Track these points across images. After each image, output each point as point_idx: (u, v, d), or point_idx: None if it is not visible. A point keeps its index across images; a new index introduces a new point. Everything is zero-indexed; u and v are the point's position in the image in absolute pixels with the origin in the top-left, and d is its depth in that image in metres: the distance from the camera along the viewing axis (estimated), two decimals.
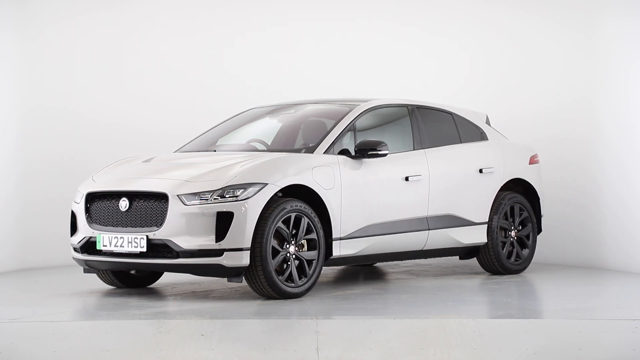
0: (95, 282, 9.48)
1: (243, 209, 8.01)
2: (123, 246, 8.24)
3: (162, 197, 8.16)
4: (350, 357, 6.42)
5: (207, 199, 8.03)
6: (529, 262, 10.29)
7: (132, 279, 9.23)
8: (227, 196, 8.04)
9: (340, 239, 8.66)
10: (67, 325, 7.21)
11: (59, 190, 11.02)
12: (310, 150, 8.76)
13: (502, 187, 10.06)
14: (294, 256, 8.30)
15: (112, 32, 11.70)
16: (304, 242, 8.40)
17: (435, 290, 9.08)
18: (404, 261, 11.35)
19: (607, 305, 8.34)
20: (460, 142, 9.89)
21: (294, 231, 8.31)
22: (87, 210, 8.56)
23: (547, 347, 6.63)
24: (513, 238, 10.12)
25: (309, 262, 8.42)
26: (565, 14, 11.41)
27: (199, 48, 11.97)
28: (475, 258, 10.13)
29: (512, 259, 10.10)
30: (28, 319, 7.37)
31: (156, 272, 9.23)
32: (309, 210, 8.38)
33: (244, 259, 8.02)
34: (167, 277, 9.68)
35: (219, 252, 7.99)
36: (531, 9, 11.72)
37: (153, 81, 11.80)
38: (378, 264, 11.15)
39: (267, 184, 8.16)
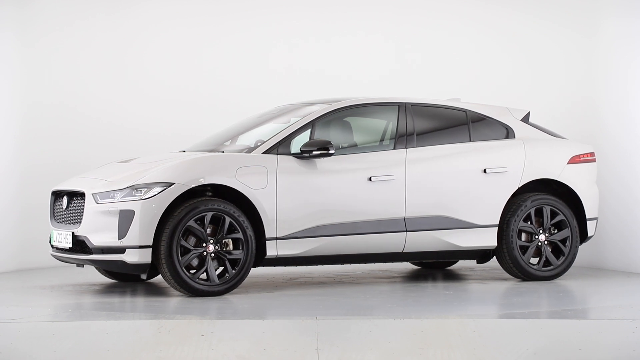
0: (93, 282, 9.49)
1: (144, 207, 8.28)
2: (61, 242, 8.80)
3: (83, 196, 8.62)
4: (350, 357, 6.43)
5: (114, 198, 8.38)
6: (565, 269, 9.63)
7: (125, 273, 9.37)
8: (132, 195, 8.34)
9: (277, 239, 8.67)
10: (67, 325, 7.20)
11: None
12: (250, 150, 8.85)
13: (528, 188, 9.62)
14: (212, 255, 8.43)
15: (115, 31, 11.68)
16: (229, 241, 8.52)
17: (438, 292, 9.09)
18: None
19: (607, 305, 8.34)
20: (470, 141, 9.52)
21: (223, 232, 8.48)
22: (52, 207, 9.08)
23: (547, 347, 6.63)
24: (542, 242, 9.55)
25: (234, 261, 8.52)
26: (565, 15, 11.41)
27: (203, 48, 11.96)
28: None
29: (540, 264, 9.54)
30: (28, 319, 7.36)
31: (153, 268, 9.27)
32: (232, 209, 8.45)
33: (146, 256, 8.29)
34: None
35: (121, 250, 8.30)
36: (531, 9, 11.72)
37: (158, 81, 11.76)
38: (453, 267, 10.93)
39: (173, 183, 8.38)
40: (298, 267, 10.61)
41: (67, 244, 8.67)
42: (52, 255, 9.11)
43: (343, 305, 8.12)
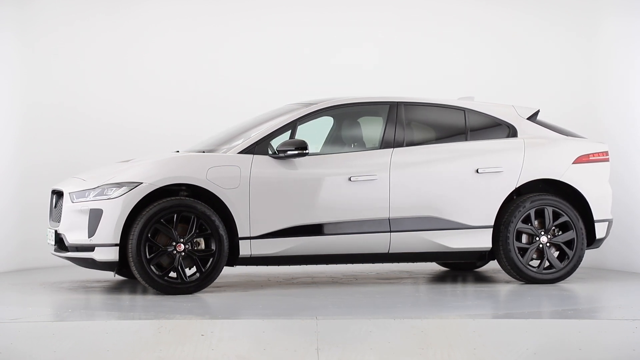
0: (93, 280, 9.48)
1: (112, 206, 8.46)
2: (49, 239, 9.04)
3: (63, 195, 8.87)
4: (350, 357, 6.43)
5: (87, 197, 8.60)
6: (569, 273, 9.33)
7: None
8: (103, 194, 8.54)
9: (251, 238, 8.69)
10: (67, 325, 7.20)
11: None
12: (227, 150, 8.92)
13: (532, 189, 9.39)
14: (182, 254, 8.54)
15: (115, 32, 11.68)
16: (200, 240, 8.62)
17: (439, 292, 9.09)
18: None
19: (607, 305, 8.34)
20: (466, 140, 9.30)
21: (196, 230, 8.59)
22: (50, 206, 9.25)
23: (547, 347, 6.63)
24: (543, 244, 9.26)
25: (205, 260, 8.61)
26: (565, 16, 11.42)
27: (203, 48, 11.95)
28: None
29: (541, 267, 9.25)
30: (28, 319, 7.36)
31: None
32: (203, 208, 8.53)
33: (113, 254, 8.47)
34: None
35: (91, 248, 8.54)
36: (531, 10, 11.72)
37: (159, 81, 11.75)
38: (482, 269, 10.79)
39: (140, 183, 8.52)
40: (299, 267, 10.63)
41: (51, 241, 8.93)
42: (52, 253, 9.19)
43: (343, 305, 8.12)
